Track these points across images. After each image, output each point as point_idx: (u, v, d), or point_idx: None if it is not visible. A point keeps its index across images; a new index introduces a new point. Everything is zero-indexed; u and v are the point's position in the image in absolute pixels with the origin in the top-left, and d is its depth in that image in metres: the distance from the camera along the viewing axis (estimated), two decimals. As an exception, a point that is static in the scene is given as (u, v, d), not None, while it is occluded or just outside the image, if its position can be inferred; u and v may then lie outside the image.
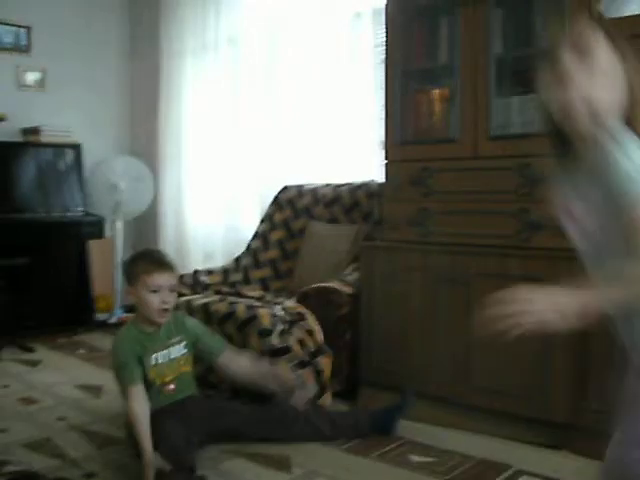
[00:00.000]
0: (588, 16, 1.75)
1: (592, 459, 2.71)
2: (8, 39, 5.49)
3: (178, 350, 3.02)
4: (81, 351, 4.82)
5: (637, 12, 2.95)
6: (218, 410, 3.03)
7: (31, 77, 5.64)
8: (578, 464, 2.78)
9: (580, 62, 1.44)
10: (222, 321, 3.61)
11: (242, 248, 4.61)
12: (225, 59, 5.30)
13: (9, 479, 1.42)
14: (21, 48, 5.57)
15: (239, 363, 3.10)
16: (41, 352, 4.76)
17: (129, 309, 5.39)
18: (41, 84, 5.68)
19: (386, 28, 3.66)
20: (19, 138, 5.48)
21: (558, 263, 2.57)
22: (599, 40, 1.46)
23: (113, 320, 5.45)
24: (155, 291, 2.90)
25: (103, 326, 5.43)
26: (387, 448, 3.02)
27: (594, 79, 1.44)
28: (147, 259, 3.00)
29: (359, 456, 2.95)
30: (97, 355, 4.65)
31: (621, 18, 2.96)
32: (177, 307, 3.32)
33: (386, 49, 3.67)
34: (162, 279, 2.91)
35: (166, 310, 2.94)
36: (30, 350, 4.77)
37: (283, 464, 2.84)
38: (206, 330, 3.20)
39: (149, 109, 5.82)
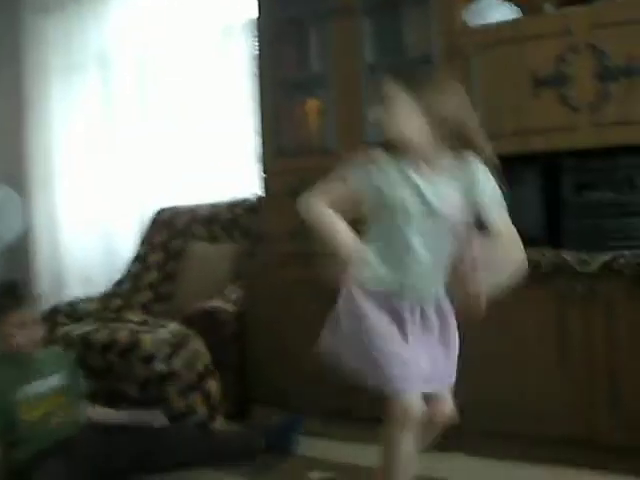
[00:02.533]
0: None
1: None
2: None
3: (52, 382, 2.88)
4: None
5: (499, 20, 3.03)
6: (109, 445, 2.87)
7: None
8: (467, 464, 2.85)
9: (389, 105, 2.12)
10: (104, 350, 3.47)
11: (122, 273, 4.45)
12: (95, 78, 5.13)
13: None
14: None
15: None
16: None
17: None
18: None
19: (257, 40, 3.63)
20: None
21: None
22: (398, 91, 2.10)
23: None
24: (12, 328, 2.77)
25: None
26: (286, 466, 2.97)
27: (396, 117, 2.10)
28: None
29: (256, 477, 2.88)
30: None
31: (484, 26, 3.04)
32: (52, 339, 3.19)
33: (257, 61, 3.64)
34: (16, 317, 2.78)
35: (27, 345, 2.79)
36: None
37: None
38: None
39: (13, 132, 5.55)
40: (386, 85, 2.14)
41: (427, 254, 2.13)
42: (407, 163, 2.12)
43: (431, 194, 2.09)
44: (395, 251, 2.16)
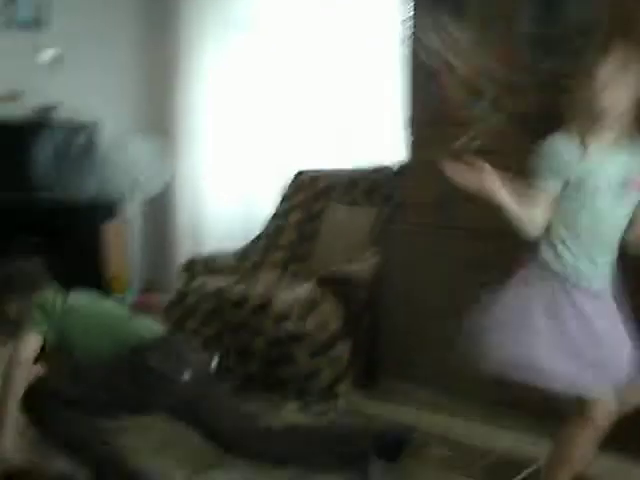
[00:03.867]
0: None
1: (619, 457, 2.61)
2: (25, 15, 5.39)
3: None
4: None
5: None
6: None
7: (47, 54, 5.53)
8: (607, 463, 2.66)
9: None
10: (236, 305, 3.51)
11: (259, 230, 4.49)
12: (245, 39, 5.17)
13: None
14: (38, 24, 5.46)
15: None
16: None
17: (144, 290, 5.34)
18: (57, 61, 5.56)
19: (411, 3, 3.52)
20: (35, 116, 5.38)
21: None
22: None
23: (128, 301, 5.36)
24: None
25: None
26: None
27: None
28: None
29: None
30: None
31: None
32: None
33: (410, 25, 3.53)
34: None
35: None
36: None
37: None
38: None
39: (167, 88, 5.70)
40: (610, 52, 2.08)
41: (599, 233, 2.12)
42: (589, 138, 2.09)
43: (607, 171, 2.08)
44: (573, 232, 2.14)
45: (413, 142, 3.48)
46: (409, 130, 3.50)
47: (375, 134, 4.40)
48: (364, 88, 4.45)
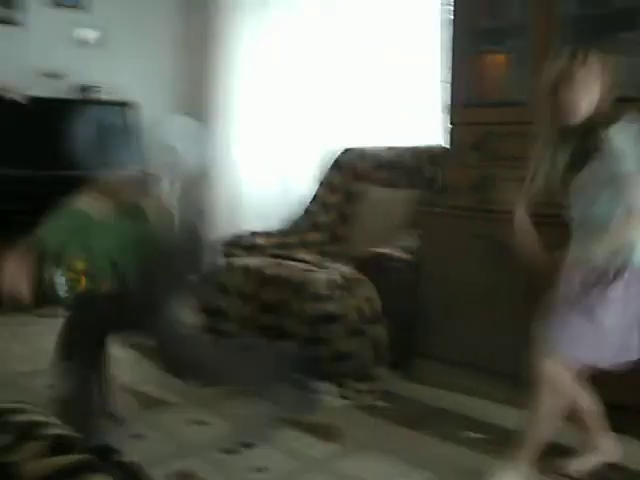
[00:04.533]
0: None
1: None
2: (68, -5, 5.45)
3: None
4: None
5: None
6: None
7: (89, 35, 5.58)
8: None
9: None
10: (277, 285, 3.54)
11: (297, 211, 4.51)
12: (283, 15, 5.16)
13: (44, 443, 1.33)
14: (80, 5, 5.51)
15: None
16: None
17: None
18: (99, 42, 5.62)
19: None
20: (77, 95, 5.45)
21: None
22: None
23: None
24: None
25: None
26: (440, 422, 2.93)
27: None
28: None
29: (409, 429, 2.87)
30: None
31: None
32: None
33: (454, 7, 3.50)
34: None
35: None
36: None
37: (332, 434, 2.78)
38: None
39: (205, 67, 5.73)
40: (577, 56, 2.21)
41: (590, 220, 2.27)
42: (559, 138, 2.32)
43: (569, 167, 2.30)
44: (575, 221, 2.37)
45: (453, 125, 3.45)
46: (449, 113, 3.48)
47: (416, 117, 4.38)
48: (406, 69, 4.42)
